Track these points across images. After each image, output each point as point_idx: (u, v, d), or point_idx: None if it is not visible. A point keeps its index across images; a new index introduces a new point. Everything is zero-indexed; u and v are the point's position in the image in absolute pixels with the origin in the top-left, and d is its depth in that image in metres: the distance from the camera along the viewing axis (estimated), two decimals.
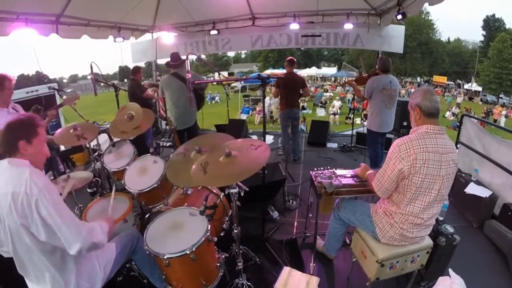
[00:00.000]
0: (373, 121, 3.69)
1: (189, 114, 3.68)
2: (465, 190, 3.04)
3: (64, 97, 3.03)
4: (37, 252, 1.31)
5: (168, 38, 6.42)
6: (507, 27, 32.25)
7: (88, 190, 3.25)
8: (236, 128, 5.75)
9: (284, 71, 4.74)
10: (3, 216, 1.26)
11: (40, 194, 1.27)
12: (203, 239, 1.72)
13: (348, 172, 2.32)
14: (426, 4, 3.71)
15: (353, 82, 4.07)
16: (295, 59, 4.59)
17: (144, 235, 1.80)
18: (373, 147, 3.84)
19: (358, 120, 12.15)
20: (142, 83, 5.14)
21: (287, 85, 4.42)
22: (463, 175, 3.25)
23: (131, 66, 5.76)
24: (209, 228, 1.79)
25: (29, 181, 1.27)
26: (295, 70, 4.70)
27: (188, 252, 1.65)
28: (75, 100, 3.06)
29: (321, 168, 2.38)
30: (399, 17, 4.19)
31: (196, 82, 3.60)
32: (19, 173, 1.31)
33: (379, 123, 3.64)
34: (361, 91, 3.91)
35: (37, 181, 1.30)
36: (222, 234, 2.17)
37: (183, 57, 2.69)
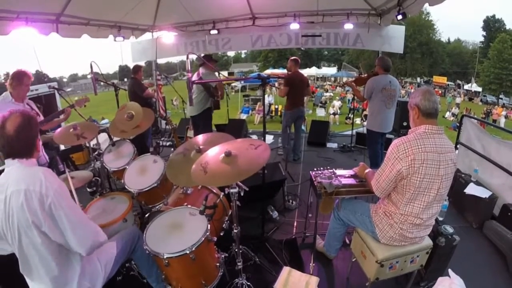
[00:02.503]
0: (373, 121, 3.69)
1: (191, 107, 4.10)
2: (464, 191, 3.04)
3: (76, 98, 3.15)
4: (44, 250, 1.30)
5: (168, 37, 6.42)
6: (507, 27, 32.33)
7: (88, 190, 3.25)
8: (236, 128, 5.76)
9: (284, 71, 4.75)
10: (12, 213, 1.25)
11: (55, 196, 1.27)
12: (203, 239, 1.72)
13: (347, 172, 2.32)
14: (426, 5, 3.70)
15: (352, 83, 4.07)
16: (299, 59, 4.65)
17: (144, 235, 1.80)
18: (373, 147, 3.84)
19: (358, 120, 12.17)
20: (142, 82, 5.13)
21: (296, 84, 4.44)
22: (463, 175, 3.25)
23: (131, 65, 5.75)
24: (208, 227, 1.78)
25: (44, 181, 1.27)
26: None
27: (187, 252, 1.65)
28: (85, 102, 3.18)
29: (321, 168, 2.38)
30: (399, 17, 4.18)
31: (196, 82, 3.66)
32: (32, 172, 1.31)
33: (379, 123, 3.64)
34: (360, 91, 3.90)
35: (52, 182, 1.30)
36: (222, 234, 2.17)
37: (191, 56, 2.74)
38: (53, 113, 3.02)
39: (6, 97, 2.69)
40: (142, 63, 6.17)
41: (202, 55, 4.22)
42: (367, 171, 2.12)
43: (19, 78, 2.65)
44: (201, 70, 3.92)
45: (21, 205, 1.23)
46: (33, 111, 2.84)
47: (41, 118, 2.88)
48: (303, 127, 5.32)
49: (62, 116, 3.00)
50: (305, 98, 5.65)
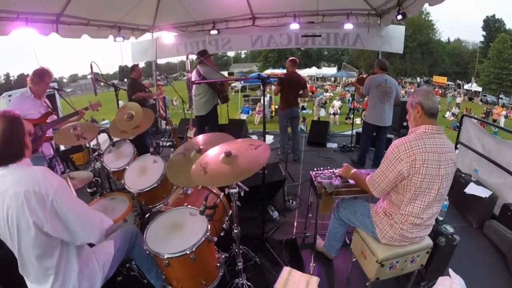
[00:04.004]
0: (369, 114, 4.12)
1: (196, 106, 4.03)
2: (465, 190, 3.04)
3: (89, 102, 3.23)
4: (43, 251, 1.30)
5: (168, 37, 6.43)
6: (507, 27, 32.34)
7: (88, 190, 3.25)
8: (236, 128, 5.76)
9: (284, 71, 4.76)
10: (12, 215, 1.24)
11: (56, 194, 1.27)
12: (203, 239, 1.71)
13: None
14: (426, 5, 3.72)
15: (355, 83, 4.52)
16: (297, 60, 4.65)
17: (144, 235, 1.80)
18: (364, 139, 4.29)
19: (358, 120, 12.16)
20: (142, 82, 5.10)
21: (290, 84, 4.45)
22: (463, 175, 3.24)
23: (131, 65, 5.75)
24: (209, 228, 1.78)
25: (43, 181, 1.26)
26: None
27: (188, 252, 1.65)
28: (98, 107, 3.28)
29: (321, 168, 2.38)
30: (399, 17, 4.21)
31: (197, 82, 3.65)
32: (29, 172, 1.29)
33: (374, 116, 4.01)
34: (361, 89, 4.22)
35: (52, 180, 1.29)
36: (222, 234, 2.17)
37: (191, 56, 2.74)
38: (68, 114, 3.06)
39: (25, 92, 2.75)
40: (142, 63, 6.17)
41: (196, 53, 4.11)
42: (353, 171, 2.11)
43: (40, 75, 2.71)
44: (200, 68, 3.81)
45: (21, 207, 1.22)
46: (49, 108, 2.87)
47: (55, 117, 2.92)
48: (303, 127, 5.33)
49: (75, 117, 3.04)
50: (306, 98, 5.67)
